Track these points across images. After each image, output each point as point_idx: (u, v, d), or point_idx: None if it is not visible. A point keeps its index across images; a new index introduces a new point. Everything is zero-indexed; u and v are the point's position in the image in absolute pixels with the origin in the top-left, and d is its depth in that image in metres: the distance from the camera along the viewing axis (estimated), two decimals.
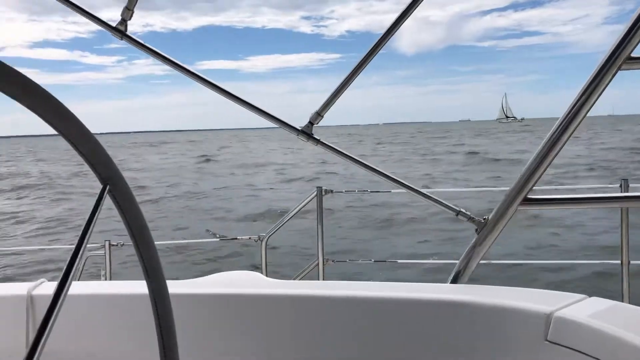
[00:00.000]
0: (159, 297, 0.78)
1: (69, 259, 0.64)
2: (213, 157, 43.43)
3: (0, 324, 1.71)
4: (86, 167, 0.69)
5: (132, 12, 1.78)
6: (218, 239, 6.31)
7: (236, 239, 4.51)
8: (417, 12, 1.73)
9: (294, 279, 3.77)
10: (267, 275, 1.94)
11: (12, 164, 45.78)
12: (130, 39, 1.80)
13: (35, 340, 0.61)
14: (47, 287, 1.72)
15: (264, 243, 4.11)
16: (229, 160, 40.12)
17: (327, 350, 1.60)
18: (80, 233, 0.67)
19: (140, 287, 1.72)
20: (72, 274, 0.64)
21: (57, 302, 0.62)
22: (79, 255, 0.65)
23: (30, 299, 1.66)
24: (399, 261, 5.11)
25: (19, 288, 1.69)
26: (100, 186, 0.69)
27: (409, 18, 1.72)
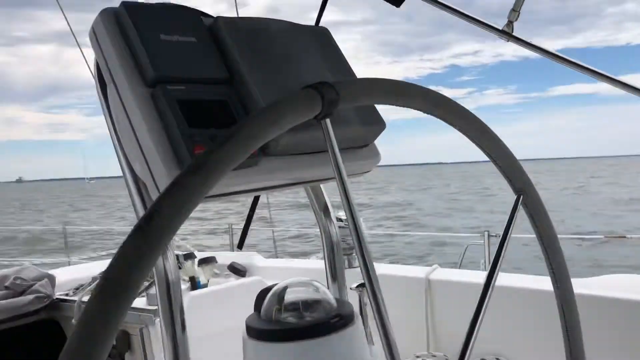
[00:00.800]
0: (566, 304, 0.79)
1: (494, 256, 0.75)
2: (587, 188, 37.48)
3: (406, 299, 2.07)
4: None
5: (518, 14, 1.82)
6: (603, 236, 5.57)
7: (624, 237, 4.05)
8: None
9: None
10: None
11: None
12: (517, 40, 1.85)
13: (472, 325, 0.69)
14: (440, 273, 2.04)
15: None
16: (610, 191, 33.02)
17: None
18: (501, 234, 0.76)
19: (523, 282, 1.84)
20: (497, 268, 0.74)
21: (488, 288, 0.71)
22: (502, 254, 0.75)
23: (428, 282, 2.00)
24: None
25: (419, 271, 2.06)
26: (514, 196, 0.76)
27: None
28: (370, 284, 0.59)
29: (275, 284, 0.89)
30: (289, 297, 0.87)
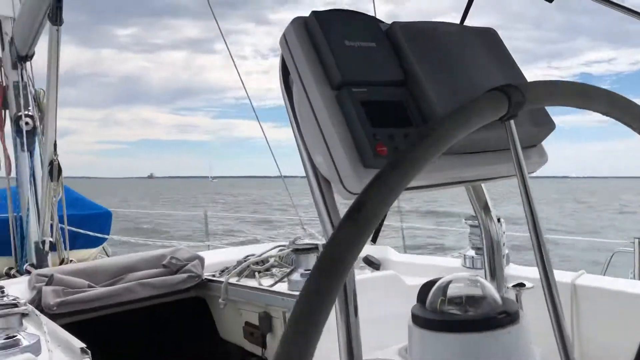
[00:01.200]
0: None
1: None
2: None
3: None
4: None
5: None
6: None
7: None
8: None
9: None
10: None
11: None
12: None
13: None
14: (586, 279, 1.94)
15: None
16: None
17: None
18: None
19: None
20: None
21: None
22: None
23: (573, 287, 1.92)
24: None
25: (564, 276, 1.96)
26: None
27: None
28: (547, 284, 0.60)
29: (439, 278, 0.92)
30: (453, 291, 0.89)
